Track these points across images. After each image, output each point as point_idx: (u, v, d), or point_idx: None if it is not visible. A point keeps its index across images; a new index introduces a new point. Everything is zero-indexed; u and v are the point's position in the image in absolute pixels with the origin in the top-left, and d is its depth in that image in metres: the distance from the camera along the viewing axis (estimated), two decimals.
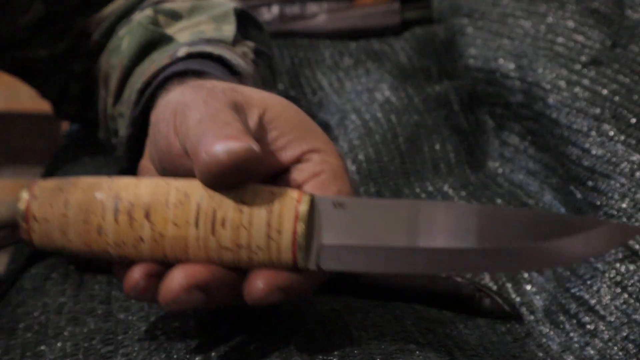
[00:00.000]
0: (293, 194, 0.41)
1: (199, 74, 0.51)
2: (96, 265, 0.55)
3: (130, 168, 0.56)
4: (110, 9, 0.67)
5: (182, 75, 0.51)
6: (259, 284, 0.41)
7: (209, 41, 0.57)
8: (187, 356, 0.44)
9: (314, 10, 0.94)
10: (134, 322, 0.49)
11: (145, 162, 0.50)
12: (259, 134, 0.44)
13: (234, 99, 0.44)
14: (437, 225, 0.41)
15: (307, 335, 0.45)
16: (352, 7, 0.94)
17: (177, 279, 0.41)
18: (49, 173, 0.75)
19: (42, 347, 0.48)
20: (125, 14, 0.67)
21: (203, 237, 0.41)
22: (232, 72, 0.54)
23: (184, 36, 0.59)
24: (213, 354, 0.44)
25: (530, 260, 0.41)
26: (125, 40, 0.62)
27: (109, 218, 0.42)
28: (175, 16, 0.62)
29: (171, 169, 0.46)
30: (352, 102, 0.75)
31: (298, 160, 0.45)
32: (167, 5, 0.63)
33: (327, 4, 0.95)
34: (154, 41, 0.60)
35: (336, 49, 0.86)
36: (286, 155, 0.45)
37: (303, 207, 0.41)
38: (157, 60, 0.56)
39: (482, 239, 0.41)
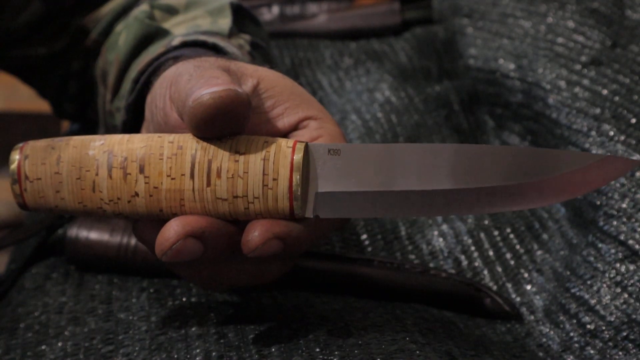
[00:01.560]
0: (288, 142, 0.41)
1: (192, 58, 0.52)
2: (97, 265, 0.55)
3: None
4: (108, 7, 0.67)
5: (176, 58, 0.52)
6: (255, 233, 0.41)
7: (204, 33, 0.57)
8: (187, 356, 0.44)
9: (314, 10, 0.94)
10: (134, 322, 0.49)
11: None
12: (255, 102, 0.45)
13: (227, 66, 0.45)
14: (431, 167, 0.41)
15: (307, 335, 0.45)
16: (352, 7, 0.94)
17: (173, 227, 0.41)
18: None
19: (43, 347, 0.48)
20: (123, 12, 0.67)
21: (199, 189, 0.41)
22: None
23: (180, 30, 0.60)
24: (213, 353, 0.44)
25: (518, 198, 0.42)
26: (122, 35, 0.62)
27: (102, 174, 0.42)
28: (171, 11, 0.62)
29: None
30: (353, 102, 0.75)
31: (295, 127, 0.45)
32: (164, 1, 0.63)
33: (327, 4, 0.95)
34: (151, 35, 0.60)
35: (336, 49, 0.86)
36: (283, 123, 0.45)
37: (298, 155, 0.41)
38: (153, 51, 0.57)
39: (470, 179, 0.41)
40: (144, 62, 0.55)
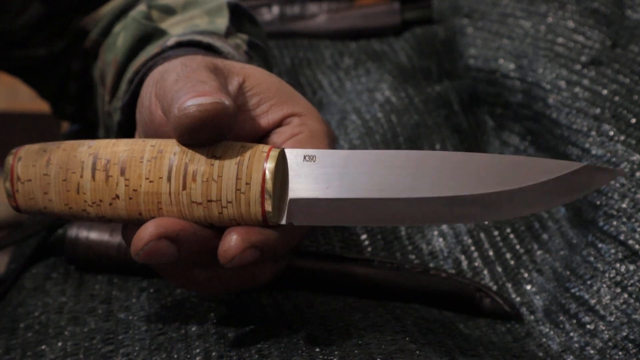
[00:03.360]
0: (263, 148, 0.41)
1: (181, 56, 0.51)
2: (97, 265, 0.55)
3: None
4: (107, 8, 0.67)
5: (167, 58, 0.52)
6: (231, 243, 0.40)
7: (201, 32, 0.57)
8: (187, 356, 0.44)
9: (314, 11, 0.94)
10: (134, 322, 0.49)
11: None
12: (240, 100, 0.45)
13: (214, 64, 0.45)
14: (407, 175, 0.41)
15: (307, 335, 0.45)
16: (352, 7, 0.94)
17: (148, 228, 0.41)
18: None
19: (43, 347, 0.48)
20: (122, 12, 0.67)
21: (175, 192, 0.41)
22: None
23: (178, 30, 0.60)
24: (213, 353, 0.44)
25: (495, 208, 0.41)
26: (120, 36, 0.62)
27: (86, 176, 0.42)
28: (169, 11, 0.62)
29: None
30: (353, 102, 0.75)
31: (279, 124, 0.45)
32: (161, 1, 0.63)
33: (327, 4, 0.95)
34: (148, 35, 0.60)
35: (336, 49, 0.86)
36: (267, 120, 0.45)
37: (271, 160, 0.41)
38: (149, 52, 0.57)
39: (450, 187, 0.40)
40: (139, 63, 0.55)
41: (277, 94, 0.46)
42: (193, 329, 0.47)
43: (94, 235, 0.54)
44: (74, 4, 0.67)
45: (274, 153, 0.41)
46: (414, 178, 0.41)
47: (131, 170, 0.42)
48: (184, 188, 0.41)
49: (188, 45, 0.54)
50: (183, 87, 0.42)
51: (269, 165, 0.40)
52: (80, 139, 0.78)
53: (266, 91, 0.46)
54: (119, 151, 0.42)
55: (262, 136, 0.45)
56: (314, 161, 0.42)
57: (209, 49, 0.54)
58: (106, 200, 0.42)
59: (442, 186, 0.40)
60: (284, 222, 0.41)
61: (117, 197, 0.42)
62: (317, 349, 0.43)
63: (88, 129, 0.78)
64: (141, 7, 0.63)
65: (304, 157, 0.42)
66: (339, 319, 0.47)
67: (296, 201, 0.41)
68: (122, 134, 0.56)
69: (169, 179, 0.41)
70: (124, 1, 0.67)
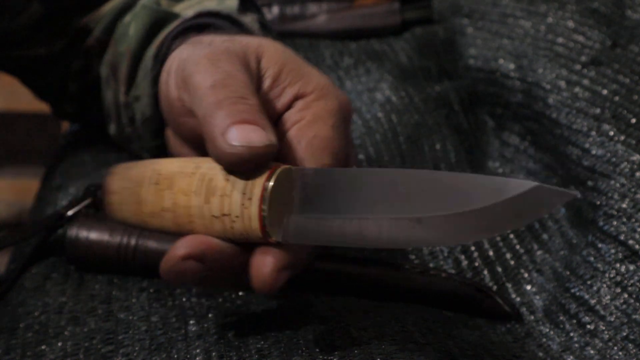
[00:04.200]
0: (270, 164, 0.42)
1: (201, 29, 0.51)
2: (97, 265, 0.55)
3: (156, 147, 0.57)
4: (109, 6, 0.67)
5: (186, 32, 0.51)
6: (265, 272, 0.41)
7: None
8: (187, 356, 0.44)
9: (314, 11, 0.94)
10: (134, 322, 0.49)
11: (167, 130, 0.51)
12: (256, 84, 0.45)
13: (236, 53, 0.44)
14: (404, 194, 0.40)
15: (307, 335, 0.45)
16: (352, 7, 0.94)
17: (177, 249, 0.42)
18: (49, 173, 0.75)
19: (43, 347, 0.48)
20: (125, 10, 0.67)
21: (199, 206, 0.42)
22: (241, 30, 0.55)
23: (189, 12, 0.60)
24: (213, 353, 0.44)
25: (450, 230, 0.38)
26: (132, 26, 0.62)
27: (146, 189, 0.44)
28: None
29: (176, 129, 0.46)
30: (353, 102, 0.75)
31: (288, 107, 0.45)
32: None
33: (327, 4, 0.95)
34: (161, 20, 0.60)
35: (336, 49, 0.86)
36: (279, 104, 0.45)
37: (272, 178, 0.41)
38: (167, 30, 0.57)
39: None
40: (161, 37, 0.55)
41: (290, 74, 0.46)
42: (193, 329, 0.47)
43: (94, 235, 0.54)
44: (73, 4, 0.67)
45: (278, 170, 0.41)
46: (411, 198, 0.39)
47: (175, 184, 0.43)
48: (207, 202, 0.42)
49: (207, 16, 0.54)
50: (223, 103, 0.42)
51: (269, 184, 0.41)
52: (80, 139, 0.78)
53: (279, 72, 0.45)
54: (172, 167, 0.44)
55: (274, 121, 0.45)
56: (313, 178, 0.41)
57: (229, 20, 0.54)
58: (157, 212, 0.44)
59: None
60: (279, 239, 0.41)
61: (164, 209, 0.43)
62: (317, 349, 0.43)
63: (88, 129, 0.78)
64: None
65: (311, 175, 0.42)
66: (339, 319, 0.47)
67: (292, 219, 0.41)
68: (154, 110, 0.55)
69: (197, 193, 0.42)
70: None
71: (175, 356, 0.45)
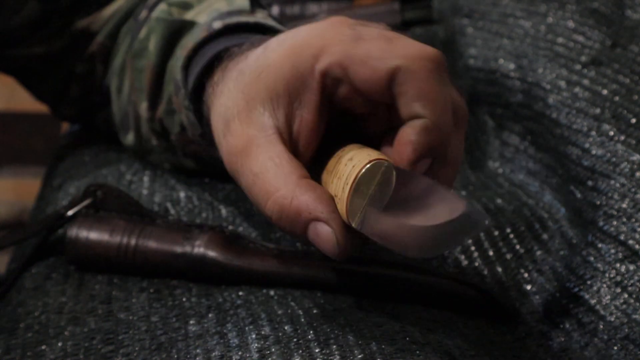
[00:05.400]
0: (372, 156, 0.44)
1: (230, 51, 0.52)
2: (97, 265, 0.55)
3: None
4: (112, 9, 0.67)
5: (220, 57, 0.52)
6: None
7: (229, 14, 0.58)
8: (187, 356, 0.44)
9: (314, 11, 0.94)
10: (134, 322, 0.49)
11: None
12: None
13: (287, 86, 0.46)
14: None
15: (307, 335, 0.45)
16: (352, 7, 0.94)
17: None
18: (49, 173, 0.75)
19: (43, 347, 0.48)
20: (128, 15, 0.67)
21: (330, 187, 0.46)
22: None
23: (203, 17, 0.60)
24: (213, 353, 0.44)
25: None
26: (151, 41, 0.62)
27: (333, 179, 0.47)
28: (186, 6, 0.63)
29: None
30: None
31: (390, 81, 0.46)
32: None
33: (327, 4, 0.95)
34: (177, 31, 0.60)
35: None
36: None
37: (366, 168, 0.43)
38: (185, 44, 0.57)
39: None
40: (190, 46, 0.55)
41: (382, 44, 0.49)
42: (193, 329, 0.47)
43: (94, 235, 0.54)
44: (71, 4, 0.67)
45: (375, 162, 0.43)
46: None
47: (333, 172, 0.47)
48: (332, 182, 0.46)
49: (236, 30, 0.55)
50: (300, 200, 0.45)
51: (360, 173, 0.43)
52: (80, 139, 0.78)
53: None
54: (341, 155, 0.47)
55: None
56: (408, 183, 0.43)
57: (257, 29, 0.55)
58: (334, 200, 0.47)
59: None
60: (355, 225, 0.44)
61: (335, 196, 0.46)
62: (317, 349, 0.43)
63: (88, 129, 0.78)
64: (162, 7, 0.63)
65: (405, 176, 0.43)
66: (339, 319, 0.47)
67: (369, 212, 0.43)
68: (197, 120, 0.56)
69: (332, 174, 0.47)
70: (128, 3, 0.67)
71: (175, 356, 0.45)
